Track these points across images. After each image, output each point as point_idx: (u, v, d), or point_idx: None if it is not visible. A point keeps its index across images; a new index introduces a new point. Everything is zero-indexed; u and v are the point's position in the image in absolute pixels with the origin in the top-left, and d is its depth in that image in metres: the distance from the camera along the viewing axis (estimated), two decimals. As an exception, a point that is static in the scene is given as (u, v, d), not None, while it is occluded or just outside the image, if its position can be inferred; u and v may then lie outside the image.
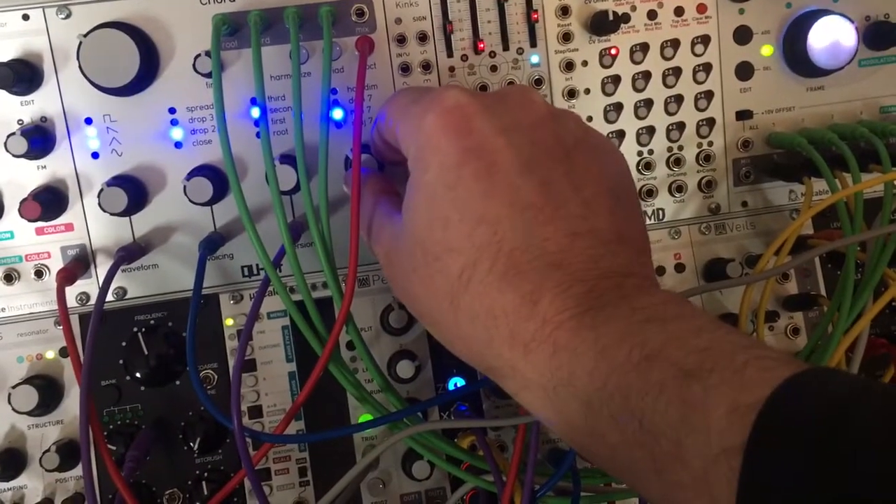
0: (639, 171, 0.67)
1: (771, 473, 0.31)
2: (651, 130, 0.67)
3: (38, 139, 0.60)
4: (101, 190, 0.59)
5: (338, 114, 0.63)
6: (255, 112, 0.61)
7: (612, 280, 0.42)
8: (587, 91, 0.66)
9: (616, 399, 0.37)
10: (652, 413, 0.36)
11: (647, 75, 0.66)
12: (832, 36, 0.64)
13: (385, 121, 0.52)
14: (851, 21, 0.64)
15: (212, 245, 0.61)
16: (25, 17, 0.60)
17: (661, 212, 0.68)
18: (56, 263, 0.62)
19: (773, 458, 0.31)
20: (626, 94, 0.66)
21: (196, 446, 0.62)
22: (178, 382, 0.63)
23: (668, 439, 0.35)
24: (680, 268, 0.68)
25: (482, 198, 0.43)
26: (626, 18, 0.65)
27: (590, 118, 0.66)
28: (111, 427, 0.62)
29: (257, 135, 0.61)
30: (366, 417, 0.63)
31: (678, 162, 0.67)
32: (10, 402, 0.60)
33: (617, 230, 0.44)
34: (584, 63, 0.65)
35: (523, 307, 0.41)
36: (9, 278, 0.62)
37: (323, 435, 0.63)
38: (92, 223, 0.62)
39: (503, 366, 0.43)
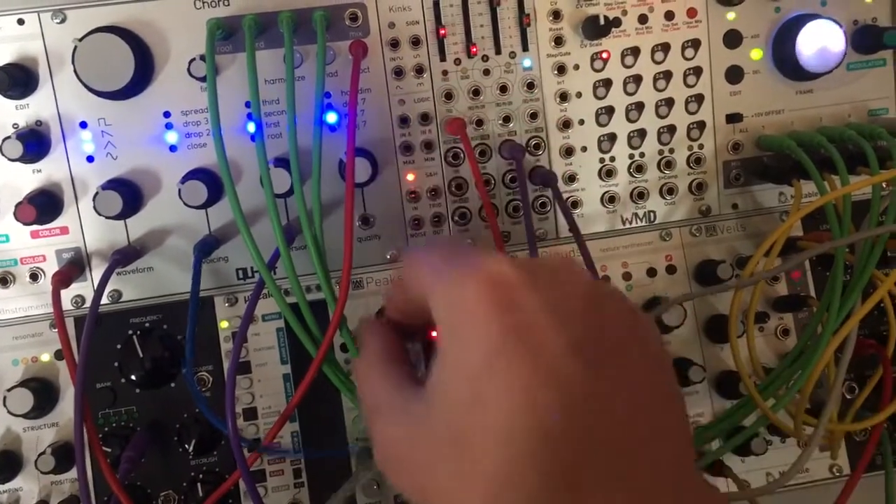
0: (630, 173, 0.68)
1: None
2: (642, 133, 0.67)
3: (34, 143, 0.60)
4: (96, 193, 0.59)
5: (331, 117, 0.63)
6: (251, 122, 0.61)
7: (656, 480, 0.38)
8: (579, 94, 0.66)
9: None
10: None
11: (637, 79, 0.67)
12: (821, 40, 0.65)
13: (408, 277, 0.44)
14: (840, 25, 0.65)
15: (206, 248, 0.61)
16: (21, 22, 0.60)
17: (652, 214, 0.68)
18: (51, 266, 0.62)
19: None
20: (617, 98, 0.67)
21: (191, 448, 0.63)
22: (172, 385, 0.64)
23: None
24: (671, 269, 0.68)
25: (530, 387, 0.37)
26: (617, 22, 0.65)
27: (581, 121, 0.66)
28: (106, 429, 0.63)
29: (252, 138, 0.62)
30: (360, 419, 0.64)
31: (669, 164, 0.68)
32: (5, 405, 0.60)
33: (662, 429, 0.40)
34: (576, 67, 0.66)
35: None
36: (4, 281, 0.62)
37: (317, 453, 0.64)
38: (87, 226, 0.62)
39: None
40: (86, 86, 0.59)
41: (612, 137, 0.67)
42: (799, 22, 0.66)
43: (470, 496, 0.38)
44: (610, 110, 0.67)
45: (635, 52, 0.66)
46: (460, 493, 0.38)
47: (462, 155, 0.65)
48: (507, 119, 0.65)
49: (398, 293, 0.46)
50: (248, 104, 0.62)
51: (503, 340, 0.38)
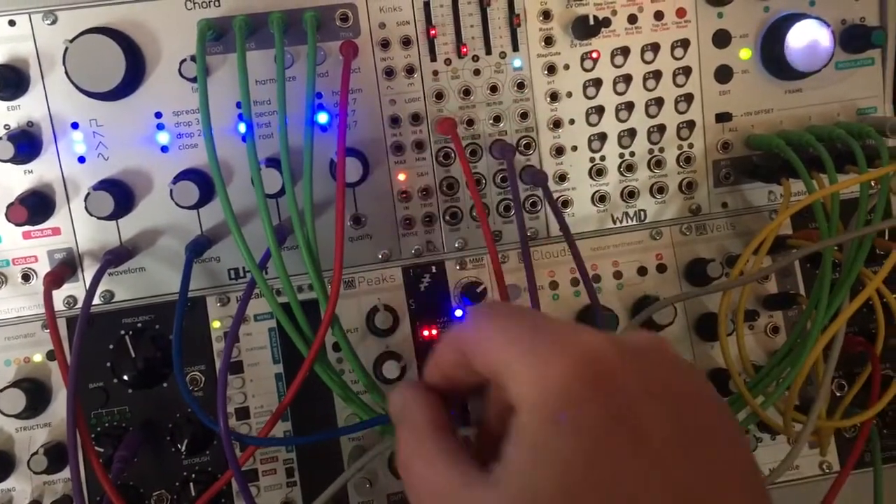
0: (620, 172, 0.68)
1: None
2: (632, 133, 0.68)
3: (25, 144, 0.60)
4: (88, 194, 0.59)
5: (322, 117, 0.63)
6: (242, 123, 0.62)
7: None
8: (569, 94, 0.67)
9: None
10: None
11: (627, 78, 0.67)
12: (809, 39, 0.65)
13: (475, 342, 0.38)
14: (828, 24, 0.65)
15: (198, 248, 0.61)
16: (12, 23, 0.60)
17: (642, 213, 0.69)
18: (43, 267, 0.62)
19: None
20: (607, 97, 0.67)
21: (183, 448, 0.63)
22: (165, 385, 0.64)
23: None
24: (661, 268, 0.69)
25: (635, 480, 0.34)
26: (606, 22, 0.66)
27: (572, 121, 0.67)
28: (99, 429, 0.63)
29: (243, 139, 0.62)
30: (353, 419, 0.64)
31: (659, 164, 0.68)
32: (-3, 406, 0.60)
33: None
34: (566, 66, 0.66)
35: None
36: (-4, 282, 0.62)
37: (308, 438, 0.64)
38: (79, 227, 0.62)
39: None
40: (77, 87, 0.59)
41: (603, 137, 0.67)
42: (787, 21, 0.66)
43: None
44: (600, 110, 0.67)
45: (625, 51, 0.67)
46: None
47: (453, 155, 0.65)
48: (497, 119, 0.66)
49: (450, 356, 0.39)
50: (239, 105, 0.62)
51: (604, 428, 0.34)
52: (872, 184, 0.64)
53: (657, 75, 0.67)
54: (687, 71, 0.68)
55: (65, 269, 0.62)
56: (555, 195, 0.67)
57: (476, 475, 0.35)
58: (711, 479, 0.35)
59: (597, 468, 0.33)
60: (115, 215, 0.61)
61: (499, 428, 0.37)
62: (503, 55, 0.65)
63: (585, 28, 0.64)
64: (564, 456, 0.33)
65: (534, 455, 0.34)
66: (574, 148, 0.67)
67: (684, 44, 0.67)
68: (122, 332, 0.63)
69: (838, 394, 0.68)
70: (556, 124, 0.67)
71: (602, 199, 0.68)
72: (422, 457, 0.37)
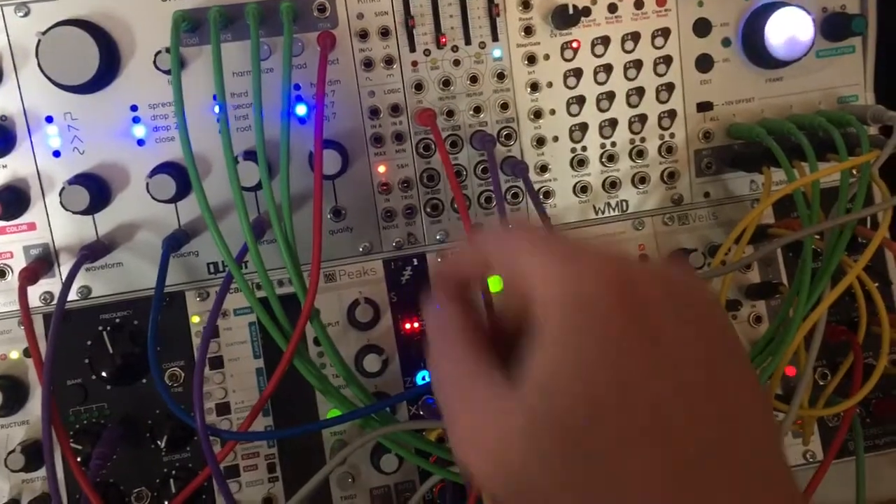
0: (602, 163, 0.68)
1: None
2: (613, 123, 0.67)
3: (-1, 138, 0.59)
4: (63, 188, 0.59)
5: (301, 109, 0.63)
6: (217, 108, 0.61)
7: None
8: (549, 84, 0.66)
9: None
10: None
11: (608, 68, 0.67)
12: (790, 27, 0.65)
13: (500, 246, 0.39)
14: (808, 13, 0.65)
15: (175, 242, 0.61)
16: (-17, 16, 0.59)
17: (624, 203, 0.68)
18: (19, 263, 0.62)
19: None
20: (588, 87, 0.67)
21: (163, 444, 0.62)
22: (144, 381, 0.63)
23: None
24: (644, 258, 0.68)
25: (647, 380, 0.35)
26: (586, 12, 0.65)
27: (553, 111, 0.66)
28: (77, 426, 0.62)
29: (221, 131, 0.61)
30: (334, 413, 0.64)
31: (641, 154, 0.68)
32: (-27, 404, 0.59)
33: (766, 436, 0.38)
34: (546, 56, 0.66)
35: None
36: (-29, 279, 0.61)
37: (287, 432, 0.63)
38: (55, 222, 0.62)
39: None
40: (51, 80, 0.58)
41: (584, 127, 0.67)
42: (768, 10, 0.66)
43: (584, 494, 0.34)
44: (581, 100, 0.67)
45: (605, 41, 0.66)
46: (559, 491, 0.34)
47: (433, 146, 0.65)
48: (477, 109, 0.65)
49: (471, 255, 0.41)
50: (216, 97, 0.61)
51: (628, 333, 0.35)
52: (853, 172, 0.64)
53: (638, 65, 0.67)
54: (668, 60, 0.67)
55: (40, 264, 0.61)
56: (536, 186, 0.67)
57: (499, 375, 0.36)
58: (728, 385, 0.36)
59: (617, 370, 0.34)
60: (92, 210, 0.60)
61: (513, 328, 0.38)
62: (483, 45, 0.65)
63: (565, 17, 0.64)
64: (587, 357, 0.34)
65: (556, 355, 0.35)
66: (555, 138, 0.67)
67: (665, 33, 0.67)
68: (100, 327, 0.63)
69: (821, 382, 0.68)
70: (537, 115, 0.66)
71: (584, 189, 0.67)
72: (449, 358, 0.38)
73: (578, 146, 0.67)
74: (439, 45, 0.64)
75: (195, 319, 0.64)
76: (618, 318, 0.35)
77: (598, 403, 0.34)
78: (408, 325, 0.66)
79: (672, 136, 0.68)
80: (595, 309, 0.35)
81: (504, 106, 0.66)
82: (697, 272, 0.39)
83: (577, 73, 0.66)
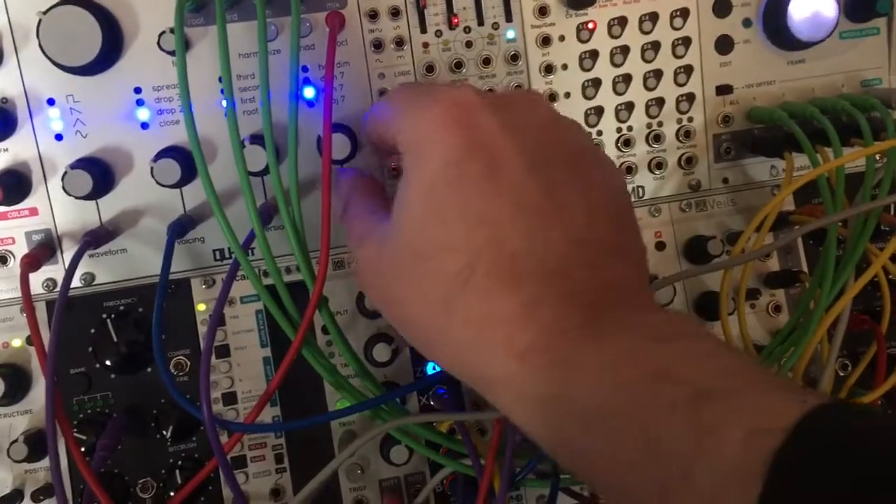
0: (618, 147, 0.66)
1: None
2: (630, 106, 0.65)
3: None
4: (66, 173, 0.57)
5: (309, 92, 0.61)
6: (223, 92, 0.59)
7: (614, 292, 0.40)
8: (564, 66, 0.64)
9: (621, 417, 0.35)
10: (662, 433, 0.34)
11: (625, 50, 0.65)
12: (812, 8, 0.63)
13: (382, 111, 0.49)
14: (832, -8, 0.63)
15: (181, 228, 0.59)
16: (-18, -5, 0.58)
17: (641, 189, 0.67)
18: (21, 249, 0.60)
19: (796, 492, 0.30)
20: (604, 70, 0.65)
21: (169, 434, 0.61)
22: (149, 369, 0.62)
23: (677, 463, 0.33)
24: (660, 246, 0.67)
25: (485, 196, 0.40)
26: (603, -8, 0.63)
27: (567, 94, 0.65)
28: (81, 416, 0.61)
29: (227, 114, 0.59)
30: (343, 403, 0.62)
31: (658, 138, 0.66)
32: (-25, 393, 0.58)
33: (620, 242, 0.43)
34: (561, 38, 0.64)
35: (522, 314, 0.39)
36: (-28, 265, 0.60)
37: (295, 424, 0.62)
38: (57, 207, 0.60)
39: (494, 376, 0.40)
40: (52, 61, 0.57)
41: (599, 111, 0.65)
42: (791, -11, 0.64)
43: (428, 302, 0.41)
44: (597, 83, 0.65)
45: (622, 22, 0.64)
46: (420, 300, 0.42)
47: (445, 130, 0.63)
48: (490, 92, 0.63)
49: (370, 131, 0.51)
50: (221, 79, 0.60)
51: (462, 155, 0.41)
52: (878, 157, 0.62)
53: (655, 46, 0.65)
54: (686, 41, 0.65)
55: (43, 250, 0.60)
56: (550, 171, 0.65)
57: (384, 217, 0.46)
58: (569, 201, 0.42)
59: (454, 189, 0.41)
60: (95, 195, 0.58)
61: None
62: (496, 26, 0.63)
63: (581, -3, 0.62)
64: (429, 184, 0.41)
65: (406, 186, 0.43)
66: (570, 122, 0.65)
67: (683, 13, 0.65)
68: (104, 315, 0.61)
69: (842, 374, 0.66)
70: (552, 98, 0.64)
71: (598, 175, 0.66)
72: (348, 213, 0.51)
73: (594, 130, 0.65)
74: (451, 26, 0.63)
75: (201, 307, 0.63)
76: (455, 148, 0.41)
77: (448, 228, 0.41)
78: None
79: (690, 120, 0.66)
80: (434, 143, 0.42)
81: (517, 89, 0.64)
82: (611, 159, 0.53)
83: (593, 55, 0.64)
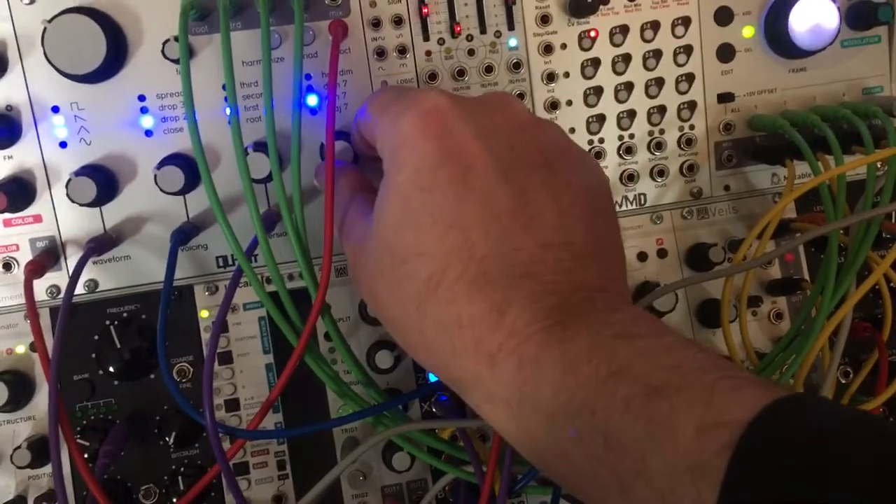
0: (620, 155, 0.66)
1: (752, 499, 0.30)
2: (632, 114, 0.66)
3: (4, 128, 0.58)
4: (70, 180, 0.57)
5: (312, 100, 0.61)
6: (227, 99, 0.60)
7: (583, 294, 0.40)
8: (566, 74, 0.65)
9: (581, 415, 0.36)
10: (617, 430, 0.35)
11: (627, 58, 0.65)
12: (814, 16, 0.63)
13: (364, 116, 0.50)
14: (833, 1, 0.63)
15: (184, 235, 0.60)
16: (-12, 4, 0.58)
17: (642, 197, 0.67)
18: (25, 256, 0.60)
19: (755, 484, 0.30)
20: (606, 78, 0.65)
21: (172, 441, 0.61)
22: (152, 376, 0.62)
23: (632, 457, 0.34)
24: (662, 253, 0.67)
25: (456, 202, 0.41)
26: (605, 0, 0.63)
27: (570, 102, 0.65)
28: (84, 422, 0.61)
29: (230, 122, 0.60)
30: (346, 410, 0.62)
31: (659, 146, 0.66)
32: (-21, 399, 0.58)
33: (592, 244, 0.43)
34: (563, 46, 0.64)
35: (491, 317, 0.40)
36: (-24, 272, 0.60)
37: (297, 430, 0.62)
38: (61, 214, 0.60)
39: (467, 377, 0.41)
40: (57, 69, 0.57)
41: (601, 118, 0.65)
42: (792, -2, 0.64)
43: (403, 305, 0.42)
44: (598, 91, 0.65)
45: (624, 30, 0.64)
46: (396, 302, 0.43)
47: (447, 137, 0.63)
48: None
49: (356, 136, 0.53)
50: (225, 87, 0.60)
51: (434, 162, 0.42)
52: (879, 165, 0.63)
53: (657, 54, 0.65)
54: (688, 50, 0.66)
55: (47, 257, 0.60)
56: (552, 179, 0.65)
57: (368, 214, 0.47)
58: (542, 205, 0.42)
59: (426, 195, 0.42)
60: (99, 202, 0.59)
61: None
62: (498, 34, 0.63)
63: (583, 6, 0.62)
64: (403, 191, 0.43)
65: (385, 193, 0.44)
66: (572, 130, 0.65)
67: (685, 22, 0.65)
68: (108, 322, 0.61)
69: (844, 381, 0.66)
70: (553, 106, 0.65)
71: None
72: (338, 206, 0.51)
73: (595, 138, 0.66)
74: (454, 34, 0.63)
75: (204, 314, 0.63)
76: (428, 154, 0.42)
77: (422, 236, 0.42)
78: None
79: (692, 127, 0.67)
80: (408, 149, 0.43)
81: (520, 96, 0.64)
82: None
83: (595, 63, 0.65)
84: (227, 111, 0.59)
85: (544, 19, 0.63)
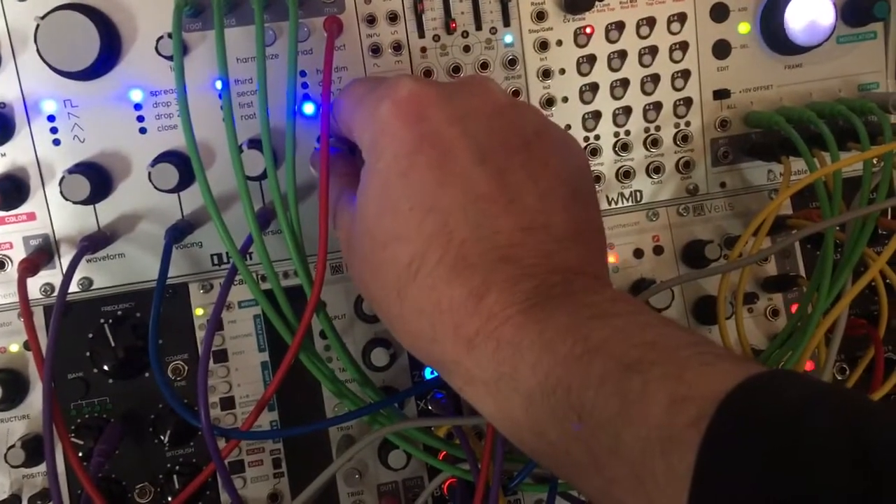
0: (615, 152, 0.66)
1: (724, 476, 0.30)
2: (627, 111, 0.66)
3: (-3, 126, 0.58)
4: (63, 178, 0.57)
5: (309, 108, 0.61)
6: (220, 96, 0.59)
7: (561, 276, 0.40)
8: (562, 71, 0.64)
9: (557, 393, 0.36)
10: (592, 406, 0.35)
11: (622, 54, 0.65)
12: (810, 13, 0.63)
13: (341, 109, 0.50)
14: (829, -3, 0.63)
15: (178, 233, 0.59)
16: (-20, 0, 0.58)
17: (638, 193, 0.67)
18: (18, 254, 0.60)
19: (727, 461, 0.30)
20: (601, 74, 0.65)
21: (167, 439, 0.61)
22: (147, 374, 0.62)
23: (606, 433, 0.34)
24: (658, 250, 0.67)
25: (434, 186, 0.42)
26: (601, -4, 0.63)
27: (565, 98, 0.65)
28: (79, 421, 0.61)
29: (225, 119, 0.59)
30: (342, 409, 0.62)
31: (655, 143, 0.66)
32: (-28, 398, 0.58)
33: (572, 226, 0.43)
34: (559, 42, 0.64)
35: (469, 301, 0.40)
36: (-30, 270, 0.60)
37: (293, 430, 0.62)
38: (55, 212, 0.60)
39: (447, 360, 0.42)
40: (50, 66, 0.57)
41: (597, 115, 0.65)
42: (787, -6, 0.64)
43: (386, 290, 0.43)
44: (594, 87, 0.65)
45: (620, 26, 0.64)
46: (380, 287, 0.43)
47: (442, 134, 0.63)
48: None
49: (335, 125, 0.52)
50: (219, 84, 0.60)
51: (412, 147, 0.42)
52: (875, 161, 0.62)
53: (653, 51, 0.65)
54: (684, 46, 0.65)
55: (41, 255, 0.60)
56: (548, 176, 0.65)
57: (353, 200, 0.47)
58: (521, 187, 0.42)
59: (405, 181, 0.42)
60: (92, 199, 0.58)
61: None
62: (494, 31, 0.63)
63: (579, 2, 0.62)
64: (382, 177, 0.43)
65: (365, 180, 0.45)
66: (568, 126, 0.65)
67: (681, 18, 0.65)
68: (102, 320, 0.61)
69: (840, 378, 0.66)
70: (549, 102, 0.64)
71: (597, 179, 0.66)
72: (334, 203, 0.50)
73: (591, 135, 0.65)
74: (449, 31, 0.63)
75: (199, 312, 0.63)
76: (407, 141, 0.42)
77: (401, 222, 0.42)
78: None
79: (688, 124, 0.66)
80: (387, 136, 0.43)
81: (515, 93, 0.64)
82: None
83: (591, 59, 0.64)
84: (222, 108, 0.59)
85: (540, 16, 0.63)
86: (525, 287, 0.39)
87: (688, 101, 0.66)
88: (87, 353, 0.61)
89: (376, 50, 0.62)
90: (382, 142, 0.44)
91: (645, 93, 0.66)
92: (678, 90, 0.66)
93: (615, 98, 0.65)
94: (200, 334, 0.62)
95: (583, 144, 0.65)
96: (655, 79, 0.65)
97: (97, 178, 0.58)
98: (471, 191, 0.42)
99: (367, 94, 0.47)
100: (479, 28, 0.63)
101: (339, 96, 0.51)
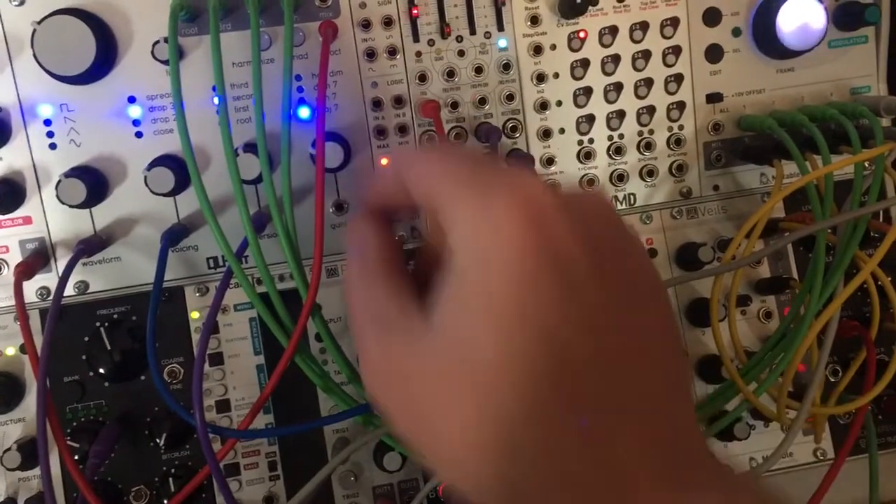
0: (609, 155, 0.66)
1: None
2: (621, 114, 0.66)
3: (-6, 130, 0.58)
4: (59, 181, 0.57)
5: (304, 112, 0.62)
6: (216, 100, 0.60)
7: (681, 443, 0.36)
8: (556, 75, 0.65)
9: None
10: None
11: (616, 58, 0.65)
12: (801, 17, 0.64)
13: (417, 175, 0.38)
14: (821, 1, 0.64)
15: (174, 236, 0.60)
16: (-23, 5, 0.58)
17: (632, 197, 0.67)
18: (15, 257, 0.60)
19: None
20: (595, 78, 0.65)
21: (162, 442, 0.61)
22: (143, 377, 0.62)
23: None
24: (652, 253, 0.67)
25: (550, 312, 0.34)
26: (594, 1, 0.63)
27: (559, 102, 0.65)
28: (75, 424, 0.61)
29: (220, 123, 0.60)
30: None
31: (649, 146, 0.66)
32: (-31, 401, 0.58)
33: (675, 378, 0.38)
34: (553, 47, 0.64)
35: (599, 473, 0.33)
36: (-34, 274, 0.60)
37: (288, 429, 0.62)
38: (51, 216, 0.60)
39: None
40: (46, 70, 0.57)
41: (591, 119, 0.66)
42: (779, -1, 0.64)
43: (465, 433, 0.33)
44: (588, 91, 0.65)
45: (613, 31, 0.65)
46: (459, 430, 0.34)
47: (437, 138, 0.64)
48: (482, 101, 0.64)
49: (391, 182, 0.39)
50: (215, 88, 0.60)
51: (534, 265, 0.34)
52: (867, 164, 0.63)
53: (646, 55, 0.66)
54: (677, 50, 0.66)
55: (37, 259, 0.60)
56: (542, 179, 0.65)
57: (413, 307, 0.36)
58: (633, 320, 0.35)
59: (523, 304, 0.34)
60: (88, 203, 0.59)
61: (435, 248, 0.38)
62: (488, 35, 0.64)
63: (573, 6, 0.62)
64: (490, 289, 0.34)
65: (459, 289, 0.35)
66: (561, 130, 0.65)
67: (674, 22, 0.65)
68: (98, 323, 0.61)
69: (832, 379, 0.67)
70: (543, 106, 0.65)
71: (590, 182, 0.66)
72: (365, 283, 0.37)
73: (585, 138, 0.66)
74: (443, 35, 0.63)
75: (195, 315, 0.63)
76: (526, 256, 0.34)
77: (506, 341, 0.33)
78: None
79: (681, 128, 0.67)
80: (503, 246, 0.34)
81: (510, 97, 0.64)
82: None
83: (585, 63, 0.65)
84: (217, 112, 0.60)
85: (534, 20, 0.64)
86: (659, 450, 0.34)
87: (681, 105, 0.67)
88: (83, 357, 0.61)
89: (371, 54, 0.62)
90: (492, 250, 0.35)
91: (638, 97, 0.66)
92: (671, 94, 0.66)
93: (609, 102, 0.66)
94: (196, 337, 0.62)
95: (576, 148, 0.66)
96: (649, 83, 0.66)
97: (93, 182, 0.59)
98: (594, 322, 0.35)
99: (471, 177, 0.36)
100: (473, 32, 0.63)
101: (419, 159, 0.39)
